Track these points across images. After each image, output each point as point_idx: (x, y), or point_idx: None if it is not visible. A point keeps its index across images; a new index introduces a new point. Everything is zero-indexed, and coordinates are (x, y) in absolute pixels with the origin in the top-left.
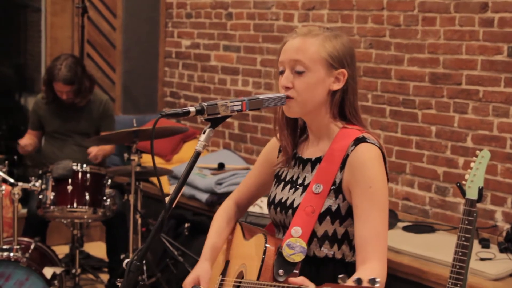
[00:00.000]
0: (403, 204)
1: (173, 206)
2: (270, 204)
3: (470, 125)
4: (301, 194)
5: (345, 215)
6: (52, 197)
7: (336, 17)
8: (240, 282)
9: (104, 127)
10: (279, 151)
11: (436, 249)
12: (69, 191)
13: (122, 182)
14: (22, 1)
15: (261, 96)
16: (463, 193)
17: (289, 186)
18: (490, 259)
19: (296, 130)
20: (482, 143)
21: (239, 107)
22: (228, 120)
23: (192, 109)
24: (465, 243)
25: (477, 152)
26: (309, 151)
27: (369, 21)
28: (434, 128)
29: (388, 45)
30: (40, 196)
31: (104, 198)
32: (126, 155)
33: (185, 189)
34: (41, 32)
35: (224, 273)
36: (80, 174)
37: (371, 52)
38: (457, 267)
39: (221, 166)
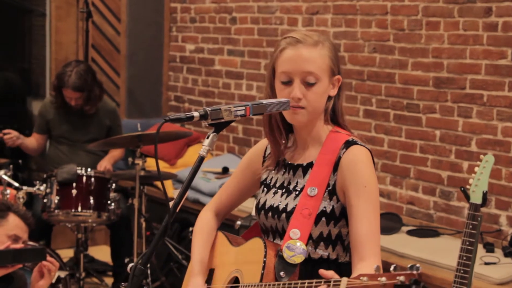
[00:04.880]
0: (408, 208)
1: (177, 210)
2: (260, 209)
3: (474, 129)
4: (294, 199)
5: (339, 216)
6: (56, 201)
7: (340, 22)
8: (237, 287)
9: (113, 135)
10: (264, 159)
11: (440, 253)
12: (74, 195)
13: (126, 186)
14: (27, 5)
15: (264, 101)
16: (467, 197)
17: (280, 191)
18: (494, 263)
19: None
20: (486, 147)
21: (242, 112)
22: (233, 124)
23: (196, 114)
24: (469, 247)
25: (481, 156)
26: (298, 157)
27: (373, 25)
28: (438, 133)
29: (392, 49)
30: (45, 200)
31: (109, 202)
32: (130, 159)
33: (189, 193)
34: (45, 36)
35: (209, 281)
36: (84, 178)
37: (375, 56)
38: (462, 271)
39: (225, 170)
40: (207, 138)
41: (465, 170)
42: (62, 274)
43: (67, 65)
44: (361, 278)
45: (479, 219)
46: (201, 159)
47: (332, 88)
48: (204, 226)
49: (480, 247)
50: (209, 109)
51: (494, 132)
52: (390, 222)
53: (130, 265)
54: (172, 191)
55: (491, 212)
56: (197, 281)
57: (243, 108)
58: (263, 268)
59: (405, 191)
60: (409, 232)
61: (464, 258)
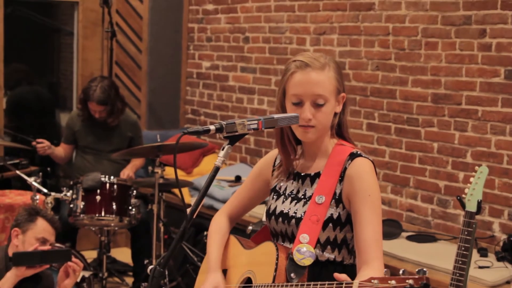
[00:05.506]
0: (407, 215)
1: (194, 217)
2: (270, 215)
3: (469, 142)
4: (303, 206)
5: (344, 222)
6: (82, 206)
7: (345, 42)
8: (249, 287)
9: (134, 146)
10: (273, 168)
11: (438, 257)
12: (98, 201)
13: (146, 192)
14: (56, 25)
15: (275, 116)
16: (463, 206)
17: (290, 199)
18: (488, 267)
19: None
20: (480, 159)
21: (255, 126)
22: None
23: (212, 127)
24: (464, 252)
25: (476, 167)
26: (306, 168)
27: (376, 45)
28: (436, 145)
29: (394, 67)
30: (71, 205)
31: (130, 207)
32: (150, 168)
33: (204, 200)
34: (73, 53)
35: None
36: (108, 185)
37: (377, 74)
38: (457, 274)
39: (238, 179)
40: (222, 149)
41: (461, 180)
42: (86, 274)
43: (93, 81)
44: (372, 281)
45: (474, 226)
46: (216, 169)
47: (338, 105)
48: (218, 228)
49: (474, 252)
50: (225, 123)
51: (488, 145)
52: (390, 228)
53: (150, 267)
54: (189, 198)
55: (485, 219)
56: (217, 275)
57: (256, 122)
58: (275, 270)
59: (405, 199)
60: (409, 238)
61: (460, 262)
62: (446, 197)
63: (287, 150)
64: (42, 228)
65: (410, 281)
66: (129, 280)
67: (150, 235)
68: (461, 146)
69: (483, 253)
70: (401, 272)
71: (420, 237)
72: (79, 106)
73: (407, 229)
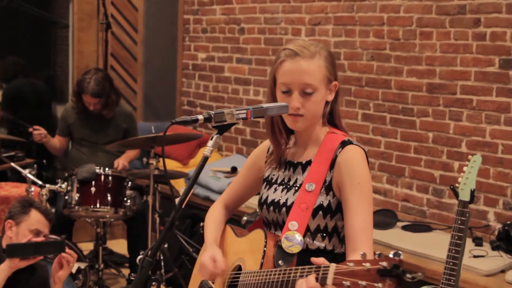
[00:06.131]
0: (403, 205)
1: (183, 206)
2: (262, 204)
3: (464, 131)
4: (294, 194)
5: (335, 210)
6: (77, 198)
7: (340, 32)
8: (240, 274)
9: (129, 137)
10: (267, 156)
11: (433, 246)
12: (93, 192)
13: (142, 184)
14: (52, 18)
15: (265, 105)
16: (456, 195)
17: (281, 187)
18: (482, 256)
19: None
20: (475, 149)
21: (244, 115)
22: (241, 127)
23: (200, 117)
24: (458, 241)
25: (470, 157)
26: (298, 156)
27: (371, 35)
28: (431, 135)
29: (388, 57)
30: (66, 197)
31: (125, 199)
32: (145, 159)
33: (201, 191)
34: (68, 46)
35: None
36: (102, 177)
37: (372, 64)
38: (451, 263)
39: (234, 170)
40: (211, 139)
41: (456, 169)
42: (83, 265)
43: (87, 73)
44: (348, 263)
45: (467, 215)
46: (205, 159)
47: (329, 94)
48: (215, 214)
49: (469, 241)
50: (213, 113)
51: (483, 134)
52: (386, 218)
53: (139, 257)
54: (183, 188)
55: (480, 209)
56: (214, 247)
57: (245, 111)
58: (263, 257)
59: (401, 189)
60: (404, 227)
61: (453, 251)
62: (441, 186)
63: (277, 139)
64: (35, 219)
65: (384, 263)
66: (126, 272)
67: (146, 226)
68: (456, 136)
69: (478, 242)
70: (376, 254)
71: (416, 227)
72: (73, 98)
73: (402, 218)
